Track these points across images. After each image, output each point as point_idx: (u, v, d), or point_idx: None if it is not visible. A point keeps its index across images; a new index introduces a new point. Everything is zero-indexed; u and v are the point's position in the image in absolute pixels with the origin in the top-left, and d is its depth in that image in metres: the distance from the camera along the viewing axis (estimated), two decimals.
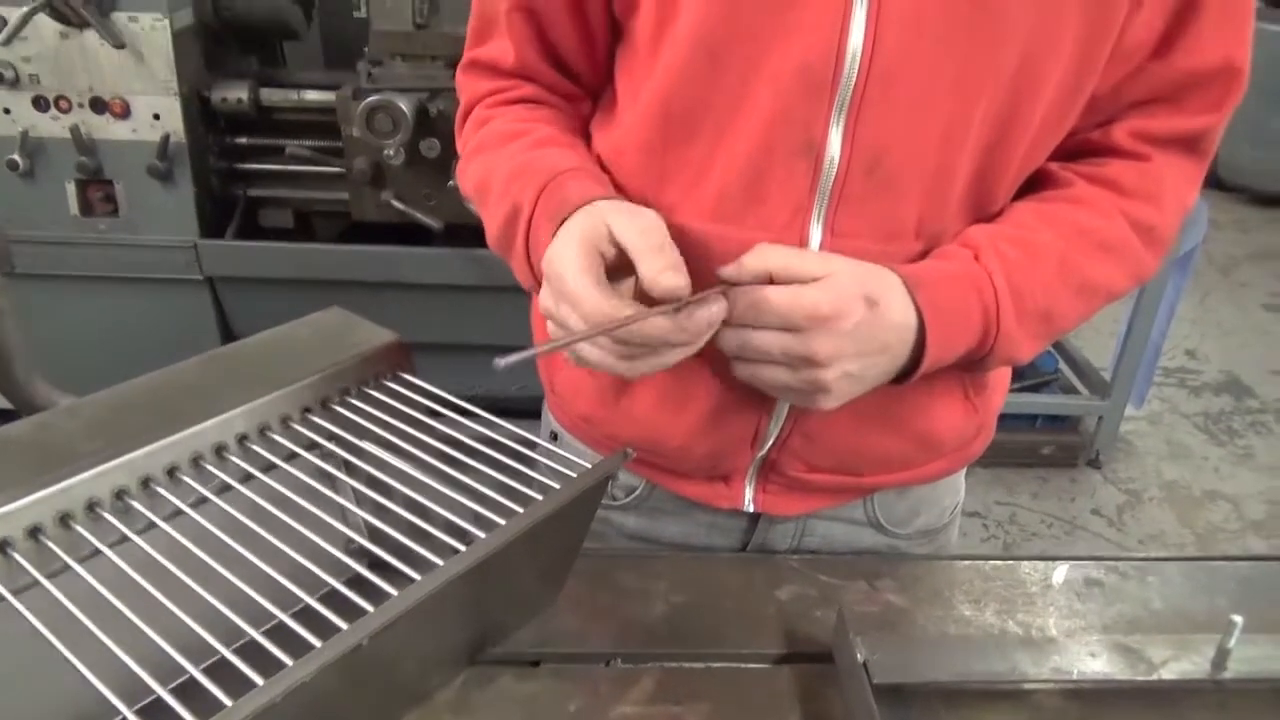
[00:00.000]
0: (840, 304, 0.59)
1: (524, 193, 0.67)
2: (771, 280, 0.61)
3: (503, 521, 0.57)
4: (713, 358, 0.71)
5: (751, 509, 0.79)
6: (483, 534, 0.56)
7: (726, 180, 0.67)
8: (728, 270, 0.62)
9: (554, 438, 0.85)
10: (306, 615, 0.50)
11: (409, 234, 2.04)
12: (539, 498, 0.59)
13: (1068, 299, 0.68)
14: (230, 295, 2.10)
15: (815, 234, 0.66)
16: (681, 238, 0.69)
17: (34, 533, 0.54)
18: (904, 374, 0.64)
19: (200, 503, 0.59)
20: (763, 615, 0.73)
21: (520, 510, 0.58)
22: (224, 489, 0.60)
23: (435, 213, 1.98)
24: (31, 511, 0.54)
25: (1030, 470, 2.60)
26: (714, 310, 0.59)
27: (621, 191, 0.71)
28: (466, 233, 1.97)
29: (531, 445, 0.65)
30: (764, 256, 0.61)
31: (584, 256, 0.59)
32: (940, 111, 0.63)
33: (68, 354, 1.77)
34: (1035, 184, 0.70)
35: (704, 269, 0.69)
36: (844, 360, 0.60)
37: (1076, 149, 0.70)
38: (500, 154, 0.71)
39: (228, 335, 2.12)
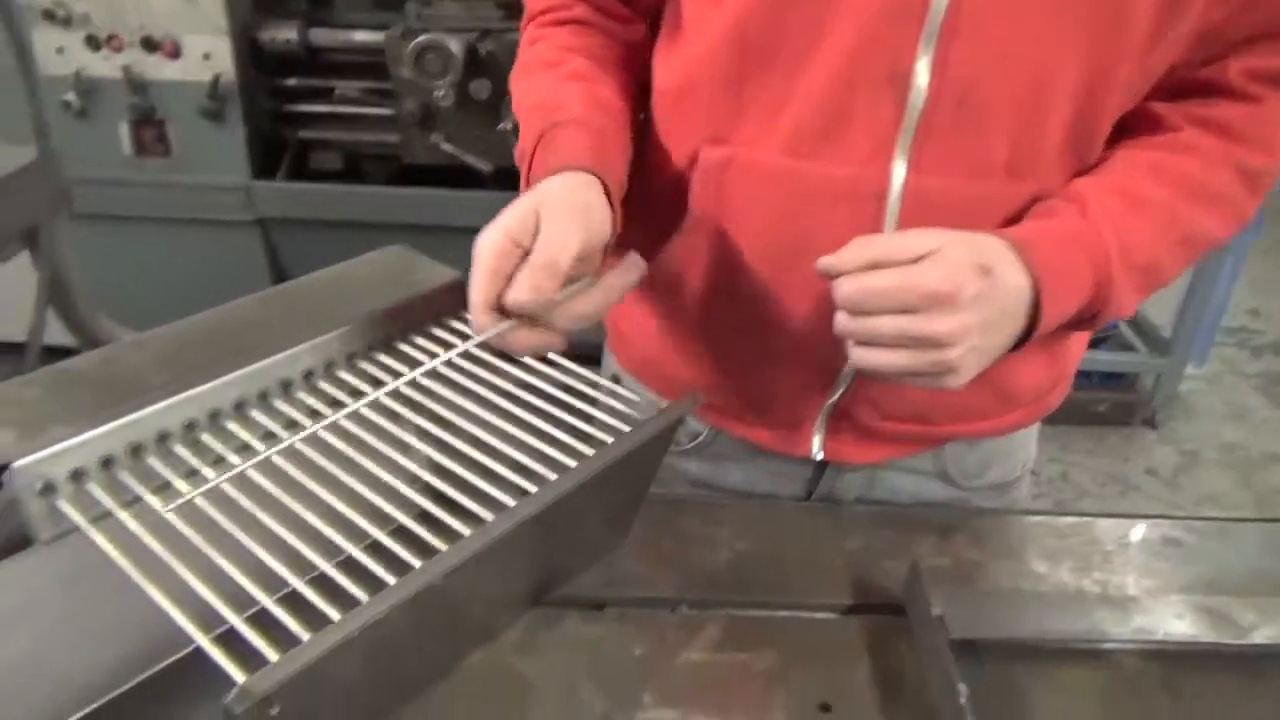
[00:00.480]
0: (956, 278, 0.56)
1: (530, 135, 0.68)
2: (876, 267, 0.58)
3: (572, 463, 0.56)
4: (784, 298, 0.69)
5: (820, 457, 0.77)
6: (552, 475, 0.54)
7: (805, 113, 0.64)
8: (826, 261, 0.59)
9: (615, 380, 0.84)
10: (375, 551, 0.49)
11: (458, 177, 2.03)
12: (607, 440, 0.58)
13: (1172, 251, 0.64)
14: (281, 237, 2.11)
15: (898, 170, 0.63)
16: (754, 175, 0.66)
17: (106, 464, 0.54)
18: (1018, 341, 0.61)
19: (267, 437, 0.58)
20: (830, 565, 0.72)
21: (589, 452, 0.57)
22: (291, 425, 0.59)
23: (485, 155, 1.96)
24: (104, 443, 0.53)
25: (1084, 428, 2.54)
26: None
27: (691, 125, 0.69)
28: (516, 176, 1.95)
29: (595, 386, 0.64)
30: (863, 247, 0.58)
31: (500, 244, 0.59)
32: (1034, 40, 0.59)
33: (122, 295, 1.79)
34: (1140, 126, 0.67)
35: (779, 207, 0.66)
36: (968, 335, 0.56)
37: (1184, 86, 0.66)
38: (534, 81, 0.72)
39: (279, 278, 2.13)
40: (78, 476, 0.53)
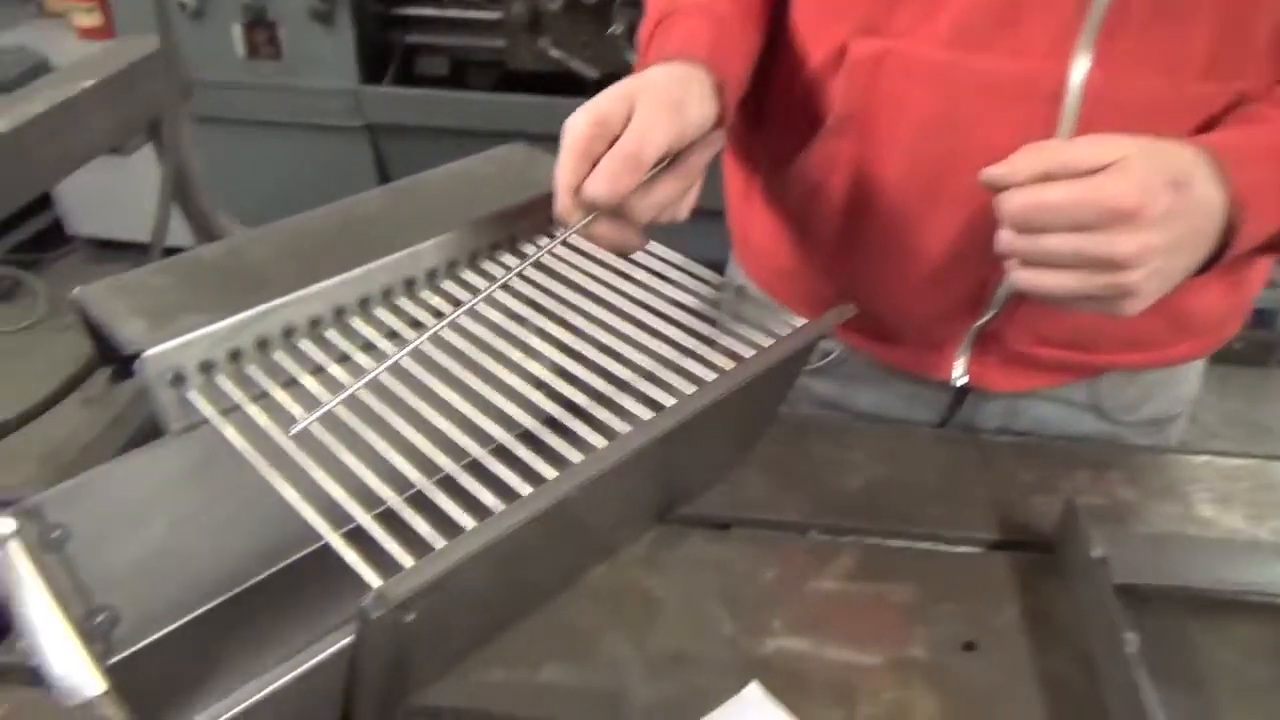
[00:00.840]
0: (1142, 192, 0.48)
1: (650, 20, 0.64)
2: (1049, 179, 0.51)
3: (705, 374, 0.52)
4: (936, 210, 0.63)
5: (961, 383, 0.71)
6: (685, 385, 0.51)
7: None
8: (994, 172, 0.52)
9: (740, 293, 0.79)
10: (501, 455, 0.47)
11: (565, 84, 1.97)
12: (741, 350, 0.54)
13: None
14: (388, 144, 2.10)
15: (1079, 66, 0.56)
16: (910, 71, 0.60)
17: (234, 356, 0.52)
18: (1206, 263, 0.54)
19: (390, 336, 0.56)
20: (972, 496, 0.67)
21: (723, 363, 0.53)
22: (415, 324, 0.57)
23: (593, 61, 1.89)
24: (232, 335, 0.52)
25: (1215, 366, 2.38)
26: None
27: (838, 15, 0.62)
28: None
29: (735, 292, 0.60)
30: (1036, 156, 0.51)
31: (589, 126, 0.54)
32: None
33: (231, 199, 1.81)
34: None
35: (937, 109, 0.60)
36: (1152, 257, 0.49)
37: None
38: None
39: (385, 182, 2.13)
40: (206, 368, 0.51)
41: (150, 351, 0.49)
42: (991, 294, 0.65)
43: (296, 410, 0.49)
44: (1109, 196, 0.48)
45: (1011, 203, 0.51)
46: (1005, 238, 0.52)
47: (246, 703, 0.37)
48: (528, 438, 0.49)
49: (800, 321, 0.56)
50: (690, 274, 0.61)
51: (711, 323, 0.58)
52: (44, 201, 2.47)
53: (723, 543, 0.64)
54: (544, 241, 0.64)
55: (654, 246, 0.63)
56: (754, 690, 0.54)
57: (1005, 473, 0.69)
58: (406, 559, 0.41)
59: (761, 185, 0.74)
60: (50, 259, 2.54)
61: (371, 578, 0.40)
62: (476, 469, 0.47)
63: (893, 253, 0.65)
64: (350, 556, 0.41)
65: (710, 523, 0.65)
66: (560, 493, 0.44)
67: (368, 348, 0.55)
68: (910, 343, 0.72)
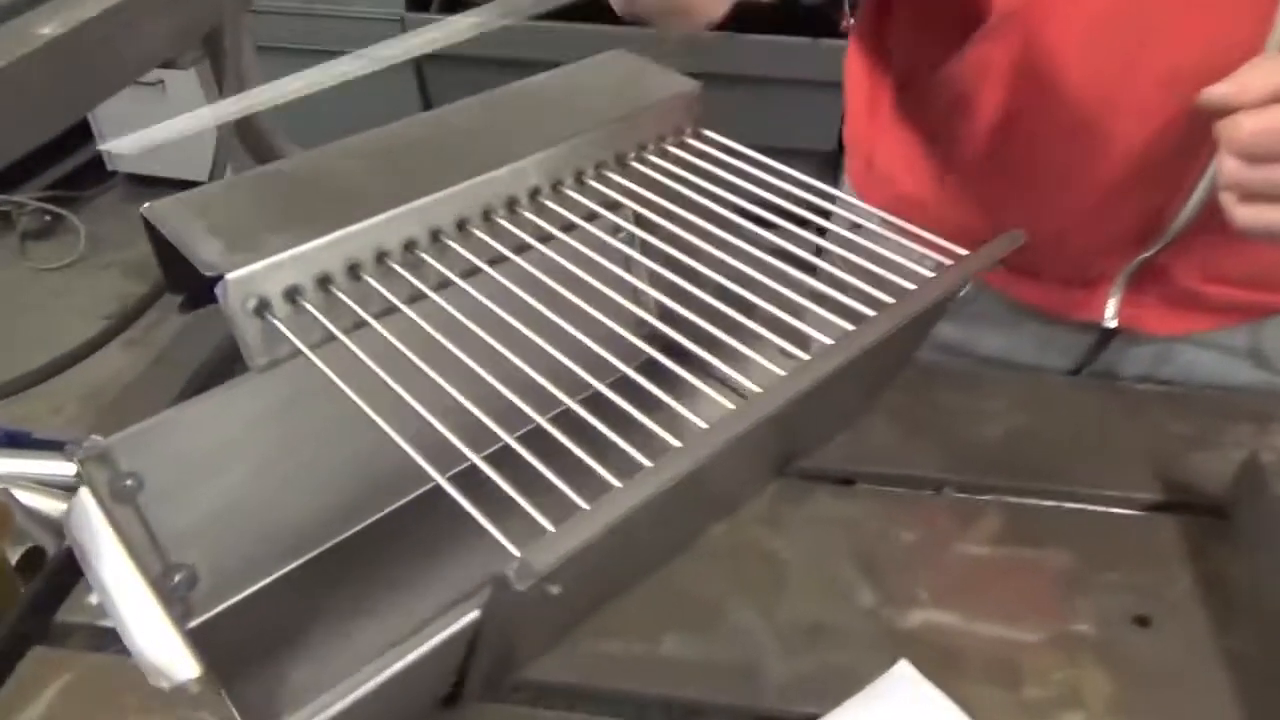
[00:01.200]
0: None
1: None
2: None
3: (836, 320, 0.45)
4: (1108, 125, 0.55)
5: (1113, 324, 0.64)
6: (812, 330, 0.44)
7: None
8: (1219, 91, 0.44)
9: (854, 227, 0.72)
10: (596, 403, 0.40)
11: (612, 13, 1.87)
12: (871, 290, 0.47)
13: None
14: (434, 73, 2.02)
15: None
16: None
17: (323, 282, 0.46)
18: None
19: (495, 262, 0.49)
20: (1126, 451, 0.60)
21: (857, 307, 0.46)
22: (522, 248, 0.50)
23: None
24: (320, 257, 0.45)
25: None
26: None
27: None
28: None
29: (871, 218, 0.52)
30: (1273, 72, 0.43)
31: None
32: None
33: (282, 126, 1.74)
34: None
35: (1124, 5, 0.51)
36: None
37: None
38: None
39: None
40: (293, 295, 0.45)
41: (234, 274, 0.43)
42: (1168, 223, 0.57)
43: (394, 342, 0.42)
44: None
45: (1240, 128, 0.43)
46: (1229, 168, 0.44)
47: (375, 680, 0.31)
48: (622, 384, 0.42)
49: (955, 249, 0.49)
50: (819, 198, 0.54)
51: (841, 259, 0.51)
52: (83, 136, 2.41)
53: (849, 499, 0.57)
54: (655, 159, 0.57)
55: (791, 171, 0.55)
56: (904, 668, 0.48)
57: (1158, 425, 0.62)
58: (543, 520, 0.35)
59: (893, 98, 0.66)
60: (89, 196, 2.49)
61: (508, 544, 0.34)
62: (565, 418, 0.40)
63: (1054, 175, 0.57)
64: (479, 515, 0.35)
65: (833, 477, 0.59)
66: (712, 447, 0.37)
67: (471, 274, 0.49)
68: (1057, 279, 0.64)
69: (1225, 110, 0.43)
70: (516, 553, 0.32)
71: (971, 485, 0.58)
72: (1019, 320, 0.69)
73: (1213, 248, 0.58)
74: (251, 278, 0.43)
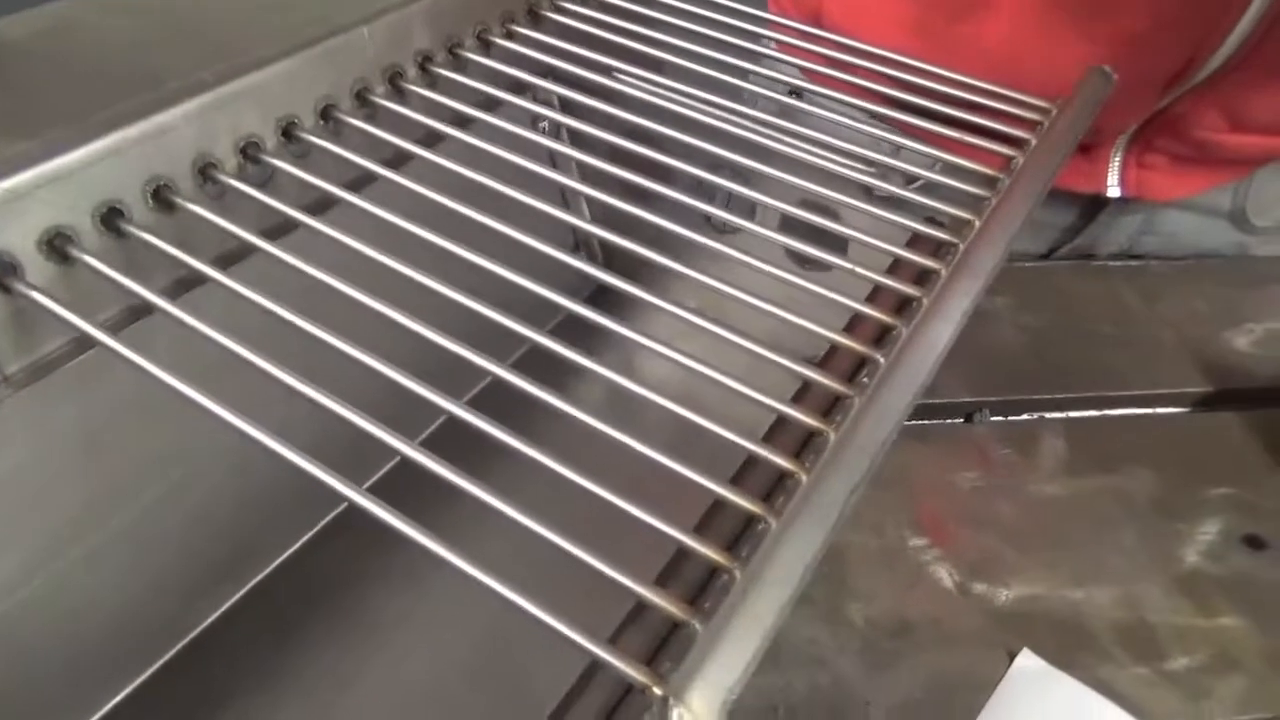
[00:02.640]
0: None
1: None
2: None
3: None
4: None
5: (1115, 193, 0.54)
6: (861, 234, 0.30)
7: None
8: None
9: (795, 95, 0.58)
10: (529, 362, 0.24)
11: None
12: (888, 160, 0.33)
13: None
14: None
15: None
16: None
17: (109, 217, 0.26)
18: None
19: (394, 164, 0.31)
20: (1158, 341, 0.51)
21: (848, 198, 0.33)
22: (427, 141, 0.32)
23: None
24: (100, 177, 0.26)
25: None
26: None
27: None
28: None
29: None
30: None
31: None
32: None
33: None
34: None
35: None
36: None
37: None
38: None
39: None
40: (60, 244, 0.25)
41: None
42: (1201, 62, 0.47)
43: (257, 302, 0.24)
44: None
45: None
46: None
47: None
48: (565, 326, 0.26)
49: (1035, 102, 0.36)
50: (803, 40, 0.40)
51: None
52: None
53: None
54: (575, 6, 0.40)
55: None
56: (1029, 661, 0.36)
57: (1178, 305, 0.54)
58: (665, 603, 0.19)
59: None
60: None
61: (630, 671, 0.18)
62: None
63: (1079, 11, 0.46)
64: (564, 628, 0.19)
65: None
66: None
67: (356, 185, 0.30)
68: None
69: None
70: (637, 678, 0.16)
71: (1008, 405, 0.47)
72: None
73: (1246, 88, 0.48)
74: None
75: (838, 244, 0.31)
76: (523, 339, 0.24)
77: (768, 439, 0.24)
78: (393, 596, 0.34)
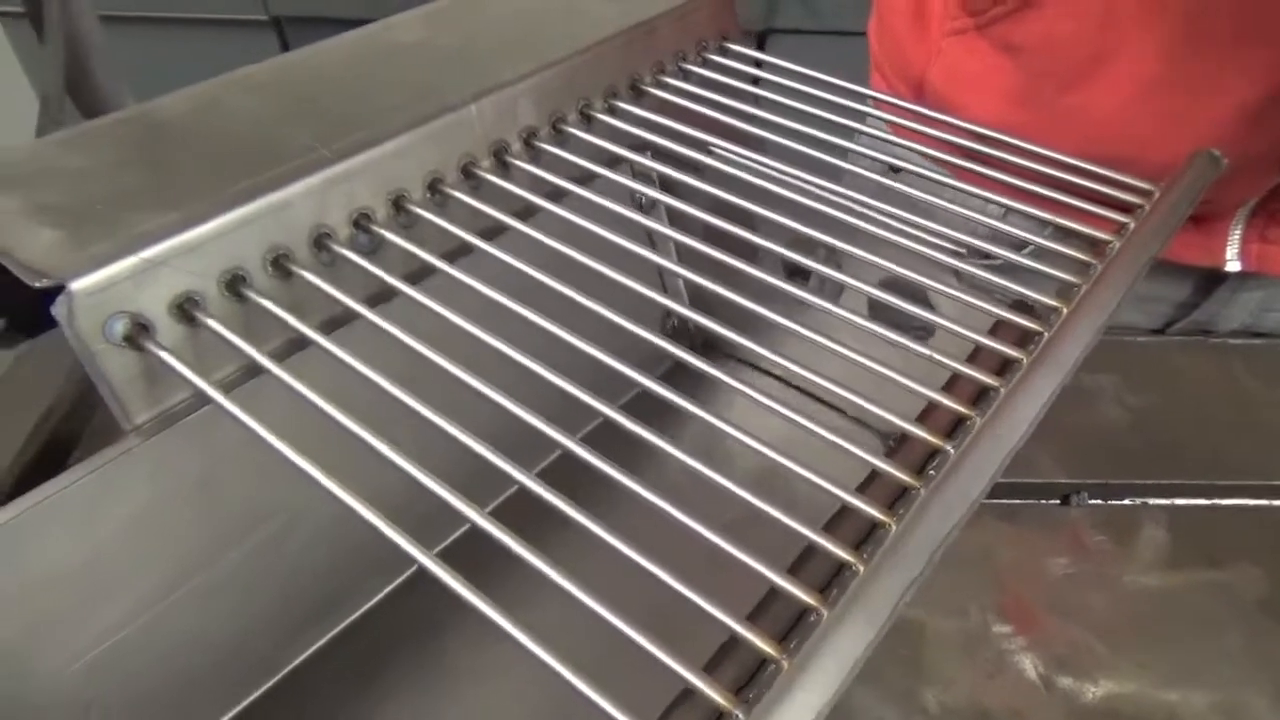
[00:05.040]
0: None
1: None
2: None
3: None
4: (1260, 18, 0.42)
5: (1235, 267, 0.52)
6: (936, 318, 0.30)
7: None
8: None
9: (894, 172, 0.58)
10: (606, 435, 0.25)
11: None
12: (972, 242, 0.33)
13: None
14: (298, 39, 1.79)
15: None
16: None
17: (233, 283, 0.29)
18: None
19: (490, 234, 0.33)
20: (1276, 427, 0.48)
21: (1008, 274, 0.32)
22: (527, 213, 0.34)
23: None
24: (224, 243, 0.28)
25: None
26: None
27: None
28: None
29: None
30: None
31: None
32: None
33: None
34: None
35: None
36: None
37: None
38: None
39: None
40: (187, 308, 0.28)
41: (82, 281, 0.26)
42: None
43: (355, 368, 0.26)
44: None
45: None
46: None
47: None
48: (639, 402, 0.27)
49: (1138, 184, 0.36)
50: (919, 122, 0.40)
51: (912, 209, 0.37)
52: None
53: (970, 524, 0.43)
54: (677, 83, 0.42)
55: (856, 88, 0.41)
56: None
57: None
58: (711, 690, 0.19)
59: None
60: None
61: None
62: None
63: (1190, 84, 0.45)
64: (575, 677, 0.20)
65: None
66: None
67: (457, 255, 0.32)
68: None
69: None
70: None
71: (1108, 488, 0.45)
72: None
73: None
74: (112, 285, 0.26)
75: (924, 327, 0.32)
76: (598, 413, 0.25)
77: (830, 527, 0.24)
78: (472, 646, 0.35)
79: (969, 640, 0.38)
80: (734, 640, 0.21)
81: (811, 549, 0.23)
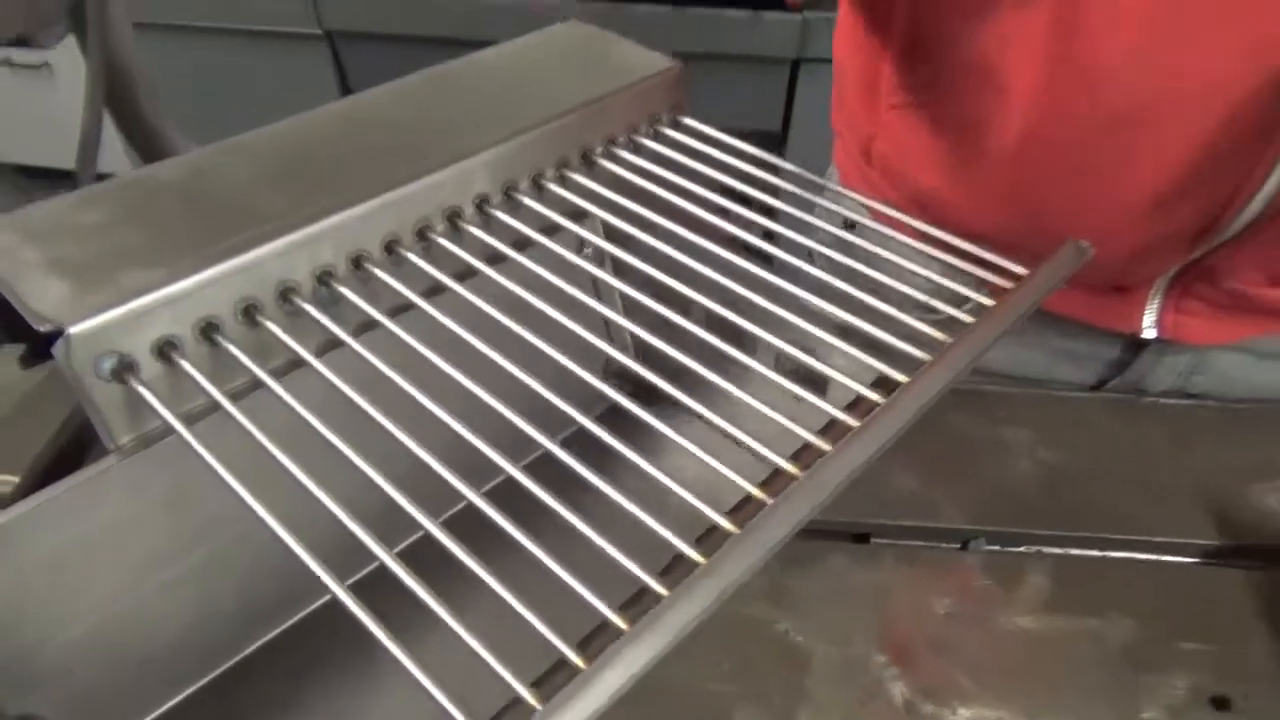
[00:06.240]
0: None
1: None
2: None
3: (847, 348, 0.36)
4: (1175, 105, 0.46)
5: (1151, 334, 0.56)
6: (837, 374, 0.35)
7: None
8: None
9: (849, 226, 0.62)
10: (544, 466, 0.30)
11: None
12: (886, 309, 0.38)
13: None
14: (351, 54, 1.87)
15: None
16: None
17: (207, 330, 0.35)
18: None
19: (432, 294, 0.39)
20: (1178, 485, 0.52)
21: (908, 337, 0.37)
22: (462, 275, 0.39)
23: None
24: (203, 297, 0.34)
25: None
26: None
27: None
28: None
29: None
30: None
31: None
32: None
33: (181, 113, 1.59)
34: None
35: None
36: None
37: None
38: None
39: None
40: (166, 350, 0.34)
41: (78, 327, 0.32)
42: (1228, 222, 0.49)
43: (303, 406, 0.31)
44: None
45: None
46: None
47: None
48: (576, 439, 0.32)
49: (1010, 267, 0.40)
50: (838, 204, 0.45)
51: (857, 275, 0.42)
52: None
53: (868, 562, 0.48)
54: (627, 155, 0.47)
55: (791, 167, 0.46)
56: None
57: (1211, 451, 0.54)
58: (525, 692, 0.25)
59: (896, 77, 0.56)
60: None
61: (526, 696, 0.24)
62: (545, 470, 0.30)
63: (1099, 170, 0.49)
64: (418, 671, 0.25)
65: (844, 533, 0.50)
66: (764, 550, 0.28)
67: (400, 312, 0.38)
68: (1089, 286, 0.56)
69: None
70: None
71: (1006, 536, 0.49)
72: (1037, 331, 0.60)
73: (1277, 245, 0.50)
74: (104, 330, 0.32)
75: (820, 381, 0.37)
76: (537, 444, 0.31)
77: (663, 561, 0.29)
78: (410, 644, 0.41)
79: (849, 669, 0.43)
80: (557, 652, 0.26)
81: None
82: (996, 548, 0.49)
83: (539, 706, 0.24)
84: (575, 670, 0.25)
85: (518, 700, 0.24)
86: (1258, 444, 0.55)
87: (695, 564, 0.28)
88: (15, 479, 0.49)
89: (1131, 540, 0.49)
